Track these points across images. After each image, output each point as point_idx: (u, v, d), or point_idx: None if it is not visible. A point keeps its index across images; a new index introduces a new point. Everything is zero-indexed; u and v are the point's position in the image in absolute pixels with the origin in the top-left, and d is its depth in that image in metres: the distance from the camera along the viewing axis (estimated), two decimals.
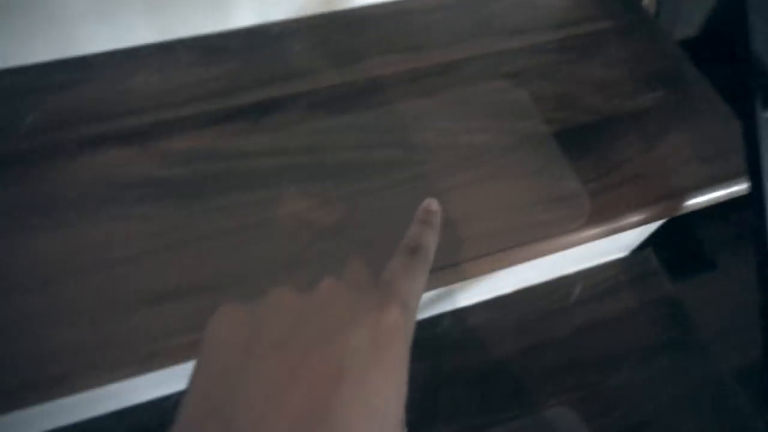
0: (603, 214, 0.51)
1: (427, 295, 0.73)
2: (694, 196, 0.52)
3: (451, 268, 0.48)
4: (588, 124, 0.56)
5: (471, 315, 0.75)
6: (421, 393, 0.69)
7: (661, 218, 0.54)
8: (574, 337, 0.75)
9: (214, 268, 0.46)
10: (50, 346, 0.41)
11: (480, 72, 0.59)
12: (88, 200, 0.48)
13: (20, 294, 0.43)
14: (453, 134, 0.55)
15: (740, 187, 0.53)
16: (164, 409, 0.65)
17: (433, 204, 0.37)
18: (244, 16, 0.59)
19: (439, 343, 0.72)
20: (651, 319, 0.77)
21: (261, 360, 0.22)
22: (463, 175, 0.52)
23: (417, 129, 0.55)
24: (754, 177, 0.46)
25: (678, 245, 0.85)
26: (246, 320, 0.24)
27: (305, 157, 0.52)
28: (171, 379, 0.68)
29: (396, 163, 0.52)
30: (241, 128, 0.53)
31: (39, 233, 0.46)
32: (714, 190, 0.53)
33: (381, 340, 0.23)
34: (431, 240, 0.33)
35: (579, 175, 0.53)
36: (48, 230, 0.47)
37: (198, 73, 0.56)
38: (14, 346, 0.41)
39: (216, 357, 0.23)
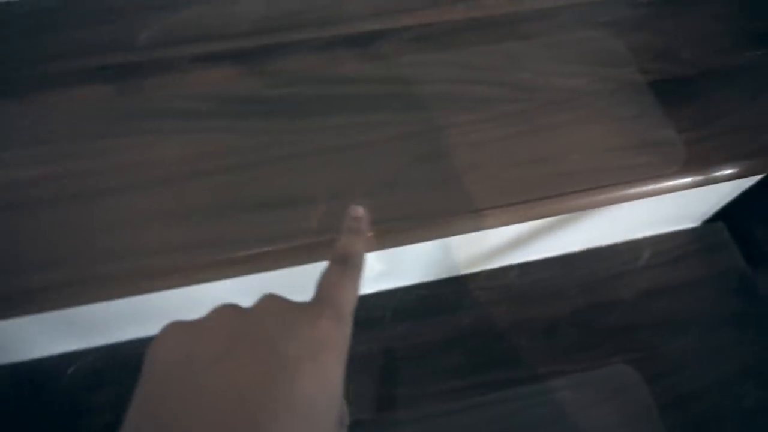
0: (698, 163, 0.51)
1: (495, 245, 0.74)
2: None
3: (546, 200, 0.49)
4: (685, 76, 0.56)
5: (538, 269, 0.75)
6: (483, 340, 0.71)
7: (756, 173, 0.54)
8: (639, 300, 0.75)
9: (316, 182, 0.48)
10: (166, 242, 0.44)
11: (577, 20, 0.59)
12: (199, 112, 0.50)
13: (140, 191, 0.46)
14: (549, 76, 0.55)
15: None
16: None
17: (358, 210, 0.38)
18: None
19: (505, 294, 0.73)
20: (718, 290, 0.77)
21: (197, 373, 0.23)
22: (558, 116, 0.53)
23: (514, 69, 0.56)
24: None
25: (748, 222, 0.84)
26: (187, 337, 0.25)
27: (405, 88, 0.54)
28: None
29: (492, 99, 0.53)
30: (345, 56, 0.55)
31: (155, 138, 0.49)
32: None
33: (313, 351, 0.24)
34: (360, 247, 0.34)
35: (675, 124, 0.53)
36: (164, 136, 0.49)
37: (302, 0, 0.58)
38: (133, 239, 0.44)
39: (157, 371, 0.24)
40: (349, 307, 0.28)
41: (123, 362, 0.67)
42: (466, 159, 0.50)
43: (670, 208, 0.76)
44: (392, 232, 0.46)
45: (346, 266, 0.31)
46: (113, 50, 0.53)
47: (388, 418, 0.66)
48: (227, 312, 0.26)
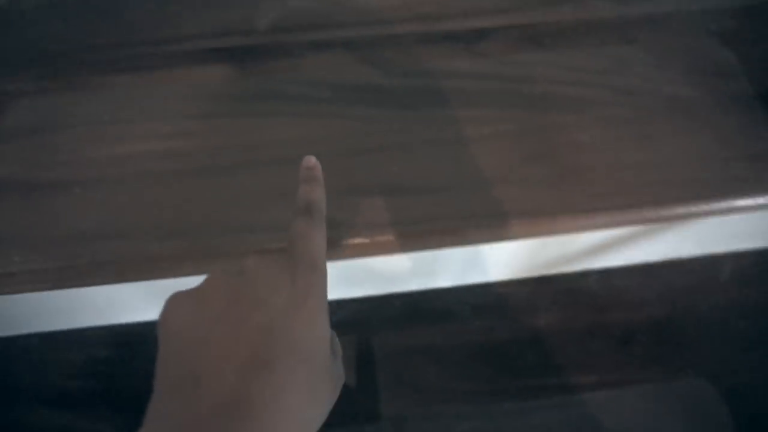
0: None
1: (576, 249, 0.75)
2: None
3: (647, 207, 0.49)
4: None
5: (618, 276, 0.75)
6: (558, 342, 0.71)
7: None
8: (719, 315, 0.74)
9: (425, 172, 0.49)
10: (278, 221, 0.46)
11: (686, 27, 0.59)
12: (314, 97, 0.52)
13: (257, 170, 0.48)
14: (655, 82, 0.55)
15: None
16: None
17: (311, 160, 0.39)
18: None
19: (583, 299, 0.73)
20: None
21: (205, 333, 0.28)
22: (663, 123, 0.53)
23: (620, 73, 0.56)
24: None
25: None
26: (189, 305, 0.29)
27: (512, 85, 0.54)
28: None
29: (598, 102, 0.54)
30: (454, 50, 0.56)
31: (273, 120, 0.51)
32: None
33: (298, 299, 0.29)
34: (318, 194, 0.36)
35: None
36: (280, 118, 0.51)
37: None
38: (248, 217, 0.46)
39: (170, 338, 0.28)
40: (319, 253, 0.32)
41: None
42: (571, 160, 0.50)
43: (758, 223, 0.74)
44: (502, 226, 0.47)
45: (309, 216, 0.34)
46: (235, 33, 0.56)
47: (460, 411, 0.67)
48: (220, 278, 0.30)
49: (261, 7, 0.57)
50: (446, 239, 0.47)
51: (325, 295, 0.31)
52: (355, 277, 0.71)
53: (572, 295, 0.73)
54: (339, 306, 0.72)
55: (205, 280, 0.31)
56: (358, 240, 0.46)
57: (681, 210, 0.50)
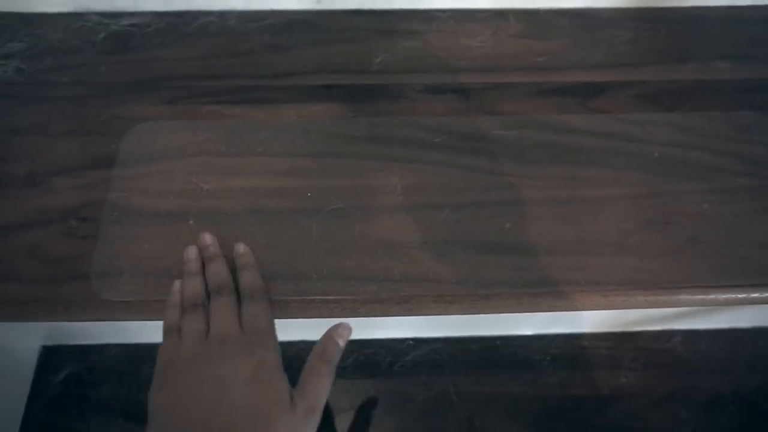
0: None
1: (661, 310, 0.72)
2: None
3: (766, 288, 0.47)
4: None
5: (703, 339, 0.72)
6: (640, 403, 0.68)
7: None
8: None
9: (537, 232, 0.48)
10: (387, 270, 0.45)
11: None
12: (427, 143, 0.52)
13: (366, 215, 0.48)
14: None
15: None
16: (396, 349, 0.69)
17: (240, 247, 0.45)
18: None
19: (666, 360, 0.71)
20: None
21: (183, 413, 0.36)
22: None
23: (744, 140, 0.53)
24: None
25: None
26: (169, 383, 0.38)
27: (627, 145, 0.53)
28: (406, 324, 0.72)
29: (720, 170, 0.52)
30: (569, 104, 0.55)
31: (384, 164, 0.51)
32: None
33: (254, 374, 0.37)
34: (255, 278, 0.43)
35: None
36: (391, 163, 0.51)
37: (528, 43, 0.58)
38: (354, 263, 0.46)
39: (155, 411, 0.37)
40: (267, 329, 0.40)
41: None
42: (691, 230, 0.48)
43: None
44: (615, 296, 0.46)
45: (255, 299, 0.41)
46: (350, 71, 0.56)
47: None
48: (186, 358, 0.38)
49: (374, 45, 0.57)
50: (557, 304, 0.46)
51: (279, 364, 0.39)
52: (434, 318, 0.70)
53: (656, 355, 0.71)
54: (415, 345, 0.71)
55: (167, 363, 0.39)
56: (465, 298, 0.45)
57: None
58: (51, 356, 0.71)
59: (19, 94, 0.54)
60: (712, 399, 0.69)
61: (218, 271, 0.43)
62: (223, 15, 0.59)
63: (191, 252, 0.45)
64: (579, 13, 0.61)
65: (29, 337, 0.71)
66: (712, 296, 0.47)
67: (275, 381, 0.38)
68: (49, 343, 0.72)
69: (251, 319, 0.41)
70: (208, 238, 0.45)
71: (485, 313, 0.46)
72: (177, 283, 0.44)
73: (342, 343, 0.43)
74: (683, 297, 0.47)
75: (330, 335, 0.43)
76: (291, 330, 0.74)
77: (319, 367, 0.41)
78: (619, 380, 0.69)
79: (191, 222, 0.47)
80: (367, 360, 0.69)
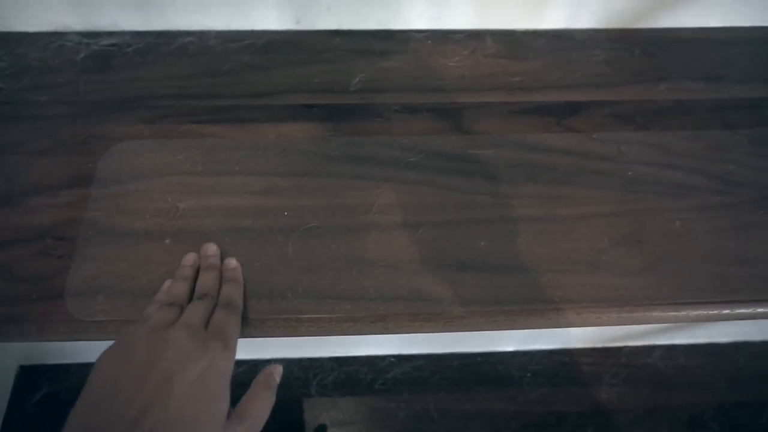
0: None
1: (641, 326, 0.72)
2: None
3: (741, 304, 0.47)
4: None
5: (683, 354, 0.73)
6: (620, 419, 0.69)
7: None
8: None
9: (511, 250, 0.48)
10: (360, 288, 0.45)
11: None
12: (404, 162, 0.52)
13: (345, 234, 0.48)
14: (756, 172, 0.54)
15: None
16: (378, 367, 0.69)
17: (232, 262, 0.46)
18: (551, 19, 0.61)
19: (647, 375, 0.71)
20: None
21: (116, 391, 0.34)
22: (762, 215, 0.51)
23: (718, 159, 0.54)
24: None
25: None
26: (114, 357, 0.36)
27: (601, 164, 0.53)
28: (389, 342, 0.72)
29: (693, 188, 0.52)
30: (544, 124, 0.55)
31: (362, 183, 0.51)
32: None
33: (201, 378, 0.35)
34: (238, 293, 0.43)
35: None
36: (369, 182, 0.51)
37: (504, 64, 0.59)
38: (331, 281, 0.46)
39: (92, 386, 0.35)
40: (232, 337, 0.40)
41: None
42: (664, 248, 0.49)
43: None
44: (589, 312, 0.46)
45: (230, 310, 0.42)
46: (328, 91, 0.56)
47: None
48: (141, 340, 0.37)
49: (353, 66, 0.58)
50: (532, 321, 0.46)
51: (229, 373, 0.38)
52: (415, 335, 0.70)
53: (637, 371, 0.71)
54: (396, 362, 0.71)
55: (130, 336, 0.38)
56: (440, 316, 0.46)
57: None
58: (28, 376, 0.70)
59: None
60: (692, 414, 0.69)
61: (208, 281, 0.44)
62: (202, 35, 0.60)
63: (189, 258, 0.45)
64: (556, 35, 0.62)
65: (7, 357, 0.71)
66: (685, 313, 0.47)
67: (217, 394, 0.36)
68: (27, 362, 0.71)
69: (218, 323, 0.40)
70: (211, 248, 0.46)
71: (460, 331, 0.46)
72: (167, 283, 0.44)
73: (278, 377, 0.43)
74: (656, 314, 0.47)
75: (269, 370, 0.43)
76: (270, 348, 0.74)
77: (261, 391, 0.40)
78: (600, 396, 0.69)
79: (167, 241, 0.47)
80: (348, 377, 0.69)
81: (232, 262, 0.46)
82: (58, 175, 0.50)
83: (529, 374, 0.70)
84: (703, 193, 0.52)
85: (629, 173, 0.53)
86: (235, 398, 0.39)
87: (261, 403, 0.40)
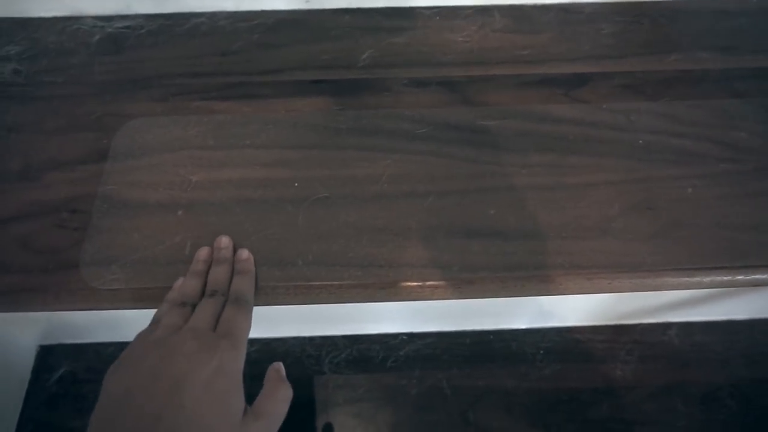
0: None
1: (657, 301, 0.72)
2: None
3: (751, 269, 0.47)
4: None
5: (698, 331, 0.72)
6: (634, 396, 0.68)
7: None
8: None
9: (520, 217, 0.48)
10: (371, 256, 0.46)
11: None
12: (412, 134, 0.52)
13: (354, 204, 0.48)
14: (763, 139, 0.53)
15: None
16: (389, 344, 0.69)
17: (243, 253, 0.45)
18: None
19: (661, 352, 0.70)
20: None
21: (131, 400, 0.34)
22: None
23: (728, 127, 0.54)
24: None
25: None
26: (122, 372, 0.36)
27: (611, 133, 0.53)
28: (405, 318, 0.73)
29: (702, 156, 0.52)
30: (552, 95, 0.56)
31: (370, 154, 0.51)
32: None
33: (213, 378, 0.35)
34: (248, 285, 0.43)
35: None
36: (378, 153, 0.52)
37: (512, 38, 0.59)
38: (343, 249, 0.46)
39: (106, 398, 0.35)
40: (242, 335, 0.40)
41: (273, 356, 0.70)
42: (674, 215, 0.49)
43: None
44: (600, 279, 0.46)
45: (240, 305, 0.41)
46: (337, 67, 0.57)
47: None
48: (147, 348, 0.37)
49: (361, 42, 0.58)
50: (541, 287, 0.46)
51: (240, 373, 0.38)
52: (426, 312, 0.70)
53: (651, 348, 0.71)
54: (408, 340, 0.71)
55: (140, 344, 0.38)
56: (448, 282, 0.46)
57: None
58: (48, 355, 0.72)
59: (15, 94, 0.55)
60: (708, 391, 0.68)
61: (220, 275, 0.44)
62: (213, 16, 0.61)
63: (202, 253, 0.45)
64: (563, 8, 0.62)
65: (27, 337, 0.72)
66: (697, 279, 0.47)
67: (229, 393, 0.37)
68: (46, 342, 0.73)
69: (226, 321, 0.40)
70: (224, 241, 0.46)
71: (470, 298, 0.47)
72: (179, 280, 0.44)
73: (283, 371, 0.43)
74: (668, 280, 0.47)
75: (274, 366, 0.43)
76: (283, 326, 0.75)
77: (275, 385, 0.40)
78: (614, 373, 0.69)
79: (180, 212, 0.48)
80: (360, 355, 0.69)
81: (244, 253, 0.46)
82: (74, 152, 0.52)
83: (541, 351, 0.70)
84: (714, 160, 0.52)
85: (639, 142, 0.53)
86: (252, 380, 0.39)
87: (277, 398, 0.39)
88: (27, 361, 0.71)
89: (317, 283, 0.45)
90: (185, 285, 0.44)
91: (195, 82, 0.56)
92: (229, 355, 0.37)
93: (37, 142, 0.52)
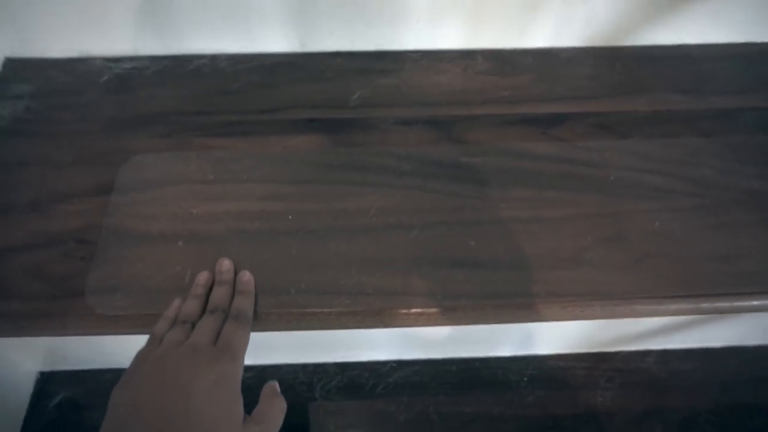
0: None
1: (636, 329, 0.75)
2: None
3: (721, 297, 0.50)
4: None
5: (677, 359, 0.75)
6: (616, 422, 0.70)
7: None
8: None
9: (500, 248, 0.51)
10: (361, 285, 0.49)
11: (758, 123, 0.61)
12: (399, 170, 0.56)
13: (344, 235, 0.51)
14: (729, 175, 0.57)
15: None
16: (379, 372, 0.72)
17: (245, 275, 0.48)
18: (537, 38, 0.66)
19: (641, 379, 0.73)
20: None
21: (138, 414, 0.37)
22: (738, 215, 0.54)
23: (693, 164, 0.58)
24: None
25: None
26: (129, 389, 0.38)
27: (585, 170, 0.57)
28: (391, 345, 0.75)
29: (672, 191, 0.56)
30: (531, 133, 0.59)
31: (360, 189, 0.55)
32: None
33: (214, 388, 0.38)
34: (248, 304, 0.46)
35: None
36: (367, 188, 0.55)
37: (494, 80, 0.64)
38: (332, 279, 0.49)
39: (112, 416, 0.37)
40: (240, 349, 0.42)
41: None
42: (644, 246, 0.52)
43: None
44: (574, 306, 0.49)
45: (239, 321, 0.44)
46: (329, 106, 0.61)
47: None
48: (150, 363, 0.40)
49: (352, 83, 0.62)
50: (519, 314, 0.49)
51: (239, 383, 0.40)
52: (415, 340, 0.73)
53: (631, 375, 0.73)
54: (397, 367, 0.74)
55: (143, 360, 0.41)
56: (432, 309, 0.49)
57: (756, 303, 0.51)
58: (47, 381, 0.74)
59: (26, 130, 0.59)
60: (686, 417, 0.70)
61: (222, 295, 0.46)
62: (214, 58, 0.65)
63: (202, 277, 0.48)
64: (542, 53, 0.66)
65: (28, 363, 0.74)
66: (665, 306, 0.50)
67: (231, 399, 0.39)
68: (46, 368, 0.75)
69: (227, 336, 0.42)
70: (226, 264, 0.49)
71: (453, 324, 0.50)
72: (178, 300, 0.47)
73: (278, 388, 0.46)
74: (638, 307, 0.50)
75: (270, 384, 0.46)
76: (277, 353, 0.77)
77: (272, 398, 0.43)
78: (596, 399, 0.71)
79: (180, 243, 0.51)
80: (350, 382, 0.71)
81: (246, 275, 0.48)
82: (81, 185, 0.55)
83: (525, 378, 0.72)
84: (681, 195, 0.55)
85: (611, 178, 0.56)
86: (247, 403, 0.41)
87: (275, 407, 0.43)
88: (26, 387, 0.73)
89: (309, 310, 0.48)
90: (186, 305, 0.46)
91: (197, 119, 0.60)
92: (229, 368, 0.40)
93: (47, 176, 0.56)
